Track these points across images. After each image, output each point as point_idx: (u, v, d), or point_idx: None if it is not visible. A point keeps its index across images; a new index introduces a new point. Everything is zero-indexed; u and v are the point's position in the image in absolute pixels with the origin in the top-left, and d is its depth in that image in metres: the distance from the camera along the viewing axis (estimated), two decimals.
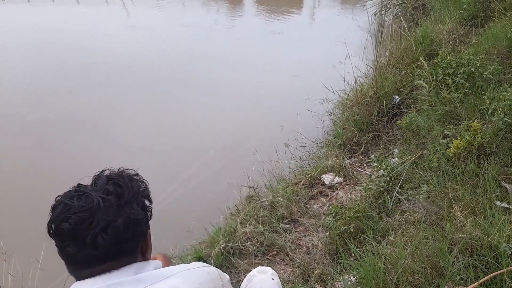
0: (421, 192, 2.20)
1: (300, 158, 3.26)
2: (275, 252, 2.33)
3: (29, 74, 5.46)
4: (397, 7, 5.27)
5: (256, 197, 2.71)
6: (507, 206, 1.89)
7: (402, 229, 2.04)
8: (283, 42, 6.24)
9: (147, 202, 0.96)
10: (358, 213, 2.21)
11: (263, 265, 2.16)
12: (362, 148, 3.10)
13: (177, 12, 8.13)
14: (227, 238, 2.36)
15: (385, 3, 5.71)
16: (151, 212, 0.97)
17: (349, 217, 2.20)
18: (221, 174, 3.31)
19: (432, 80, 2.85)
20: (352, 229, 2.16)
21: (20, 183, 3.56)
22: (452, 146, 2.25)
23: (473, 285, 1.55)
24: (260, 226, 2.42)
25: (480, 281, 1.55)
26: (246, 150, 3.48)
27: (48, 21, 7.63)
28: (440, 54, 2.98)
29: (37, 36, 6.68)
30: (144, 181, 0.97)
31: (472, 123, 2.26)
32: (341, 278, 1.98)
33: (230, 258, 2.28)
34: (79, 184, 0.92)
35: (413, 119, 2.87)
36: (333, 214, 2.32)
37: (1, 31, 6.96)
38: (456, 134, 2.44)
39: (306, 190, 2.75)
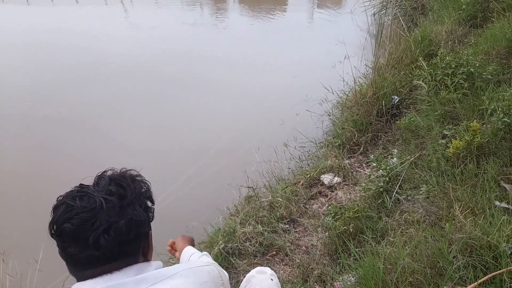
0: (421, 192, 2.21)
1: (299, 158, 3.26)
2: (274, 252, 2.33)
3: (29, 74, 5.46)
4: (396, 8, 5.27)
5: (256, 198, 2.71)
6: (507, 206, 1.89)
7: (402, 229, 2.04)
8: (282, 42, 6.24)
9: (149, 203, 0.96)
10: (357, 213, 2.21)
11: (262, 266, 2.17)
12: (361, 148, 3.10)
13: (176, 12, 8.13)
14: (226, 239, 2.36)
15: (384, 3, 5.71)
16: (153, 213, 0.97)
17: (348, 217, 2.21)
18: (221, 175, 3.31)
19: (431, 81, 2.85)
20: (351, 229, 2.16)
21: (19, 183, 3.55)
22: (451, 146, 2.25)
23: (473, 285, 1.55)
24: (260, 226, 2.42)
25: (480, 281, 1.55)
26: (245, 151, 3.48)
27: (47, 21, 7.63)
28: (439, 55, 2.99)
29: (37, 36, 6.67)
30: (147, 182, 0.97)
31: (471, 123, 2.26)
32: (341, 278, 1.98)
33: (230, 258, 2.28)
34: (81, 184, 0.92)
35: (412, 119, 2.87)
36: (333, 214, 2.32)
37: (0, 31, 6.96)
38: (455, 134, 2.45)
39: (305, 190, 2.75)
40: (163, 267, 0.94)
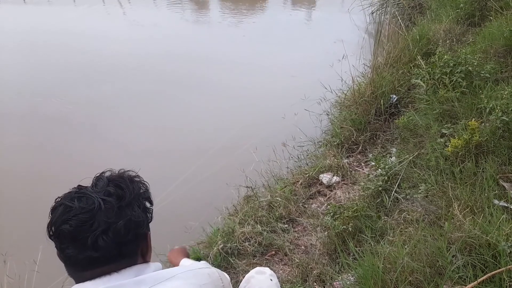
0: (419, 191, 2.20)
1: (298, 157, 3.26)
2: (273, 252, 2.32)
3: (29, 74, 5.45)
4: (394, 7, 5.28)
5: (254, 197, 2.71)
6: (506, 205, 1.89)
7: (401, 228, 2.04)
8: (280, 42, 6.24)
9: (147, 204, 0.96)
10: (356, 213, 2.21)
11: (261, 265, 2.16)
12: (360, 147, 3.10)
13: (175, 11, 8.12)
14: (225, 239, 2.36)
15: (383, 2, 5.72)
16: (151, 214, 0.97)
17: (347, 216, 2.20)
18: (219, 174, 3.30)
19: (430, 79, 2.85)
20: (350, 229, 2.16)
21: (18, 183, 3.55)
22: (449, 145, 2.25)
23: (472, 284, 1.55)
24: (259, 226, 2.41)
25: (479, 280, 1.55)
26: (244, 150, 3.47)
27: (46, 22, 7.62)
28: (437, 53, 2.99)
29: (35, 36, 6.66)
30: (145, 183, 0.97)
31: (469, 122, 2.26)
32: (340, 277, 1.98)
33: (229, 258, 2.27)
34: (79, 185, 0.92)
35: (410, 118, 2.87)
36: (332, 214, 2.31)
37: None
38: (453, 133, 2.44)
39: (304, 190, 2.75)
40: (162, 268, 0.94)
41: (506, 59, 3.02)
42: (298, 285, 2.06)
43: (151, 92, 4.87)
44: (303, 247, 2.33)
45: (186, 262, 1.53)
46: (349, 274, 1.96)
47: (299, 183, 2.80)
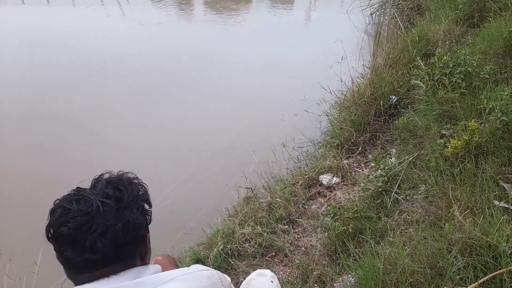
0: (419, 192, 2.20)
1: (298, 158, 3.26)
2: (273, 253, 2.32)
3: (29, 75, 5.45)
4: (393, 8, 5.28)
5: (254, 198, 2.70)
6: (506, 206, 1.89)
7: (401, 229, 2.04)
8: (280, 42, 6.24)
9: (146, 206, 0.95)
10: (356, 214, 2.21)
11: (261, 267, 2.16)
12: (360, 148, 3.10)
13: (175, 11, 8.11)
14: (225, 240, 2.35)
15: (382, 3, 5.72)
16: (150, 216, 0.96)
17: (347, 217, 2.20)
18: (219, 176, 3.30)
19: (429, 80, 2.85)
20: (350, 230, 2.15)
21: (18, 183, 3.54)
22: (449, 146, 2.25)
23: (473, 285, 1.54)
24: (259, 227, 2.41)
25: (480, 281, 1.55)
26: (244, 151, 3.47)
27: (45, 22, 7.62)
28: (436, 54, 2.99)
29: (36, 37, 6.65)
30: (144, 184, 0.96)
31: (469, 123, 2.26)
32: (340, 278, 1.98)
33: (229, 259, 2.27)
34: (78, 187, 0.91)
35: (410, 119, 2.87)
36: (332, 215, 2.31)
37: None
38: (453, 133, 2.44)
39: (304, 191, 2.75)
40: (162, 270, 0.94)
41: (505, 60, 3.02)
42: (299, 286, 2.05)
43: (151, 92, 4.87)
44: (303, 248, 2.33)
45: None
46: (349, 275, 1.96)
47: (299, 184, 2.80)
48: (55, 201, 0.89)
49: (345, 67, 3.69)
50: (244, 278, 1.52)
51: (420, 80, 2.93)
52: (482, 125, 2.40)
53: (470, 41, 3.62)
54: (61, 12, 8.27)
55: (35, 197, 3.19)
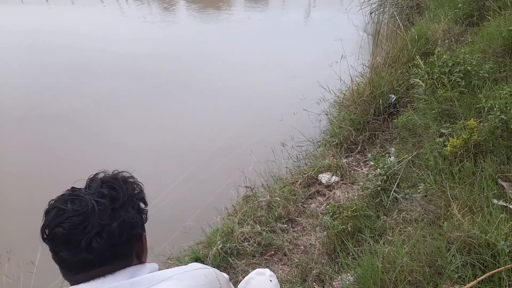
0: (418, 190, 2.20)
1: (297, 157, 3.26)
2: (272, 252, 2.32)
3: (29, 75, 5.45)
4: (392, 7, 5.28)
5: (253, 197, 2.70)
6: (504, 204, 1.89)
7: (400, 228, 2.04)
8: (279, 42, 6.24)
9: (142, 205, 0.95)
10: (355, 212, 2.21)
11: (260, 265, 2.17)
12: (359, 147, 3.10)
13: (175, 11, 8.11)
14: (224, 239, 2.35)
15: (381, 2, 5.72)
16: (146, 215, 0.96)
17: (346, 216, 2.20)
18: (219, 175, 3.30)
19: (428, 79, 2.85)
20: (349, 228, 2.16)
21: (18, 183, 3.55)
22: (448, 145, 2.25)
23: (471, 283, 1.55)
24: (258, 226, 2.41)
25: (478, 279, 1.55)
26: (243, 150, 3.47)
27: (44, 22, 7.62)
28: (436, 53, 2.99)
29: (35, 37, 6.66)
30: (139, 183, 0.96)
31: (468, 122, 2.26)
32: (339, 277, 1.98)
33: (228, 258, 2.27)
34: (72, 187, 0.91)
35: (409, 117, 2.87)
36: (331, 214, 2.31)
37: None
38: (452, 132, 2.44)
39: (303, 190, 2.75)
40: (160, 269, 0.93)
41: (505, 59, 3.02)
42: (298, 285, 2.05)
43: (151, 92, 4.87)
44: (302, 247, 2.33)
45: None
46: (348, 274, 1.96)
47: (298, 183, 2.80)
48: (50, 201, 0.88)
49: (344, 66, 3.69)
50: (243, 277, 1.52)
51: (420, 79, 2.92)
52: (481, 123, 2.40)
53: (469, 40, 3.62)
54: (60, 12, 8.27)
55: (34, 197, 3.19)
